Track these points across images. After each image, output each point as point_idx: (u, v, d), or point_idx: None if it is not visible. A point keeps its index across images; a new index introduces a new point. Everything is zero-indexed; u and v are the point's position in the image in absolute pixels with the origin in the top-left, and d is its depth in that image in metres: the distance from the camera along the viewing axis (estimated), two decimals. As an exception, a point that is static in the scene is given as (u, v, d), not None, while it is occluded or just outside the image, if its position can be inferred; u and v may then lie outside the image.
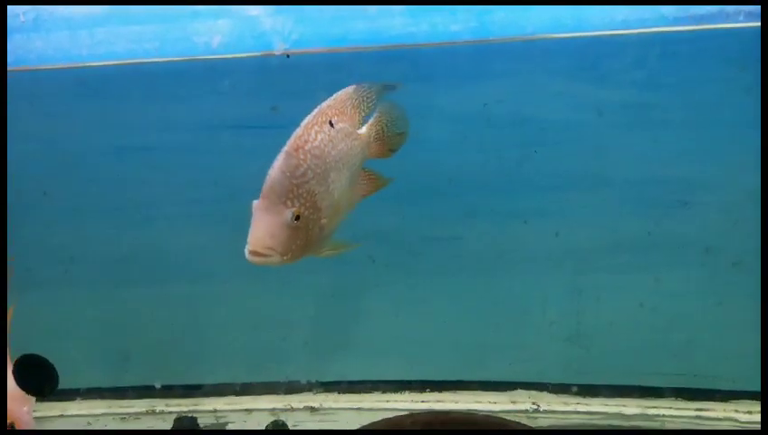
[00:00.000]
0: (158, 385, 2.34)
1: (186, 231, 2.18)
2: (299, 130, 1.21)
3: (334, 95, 1.30)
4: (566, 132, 1.98)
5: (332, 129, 1.24)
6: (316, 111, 1.25)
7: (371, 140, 1.36)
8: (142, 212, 2.21)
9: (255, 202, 1.15)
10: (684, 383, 2.15)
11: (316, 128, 1.22)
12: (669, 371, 2.15)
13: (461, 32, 1.76)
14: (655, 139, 1.94)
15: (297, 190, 1.15)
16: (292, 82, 1.91)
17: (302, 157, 1.17)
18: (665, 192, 2.00)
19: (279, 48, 1.78)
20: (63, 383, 2.37)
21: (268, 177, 1.16)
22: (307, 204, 1.15)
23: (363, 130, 1.35)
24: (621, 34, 1.77)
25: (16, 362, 2.22)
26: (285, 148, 1.19)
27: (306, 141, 1.19)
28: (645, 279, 2.08)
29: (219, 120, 2.06)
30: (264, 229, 1.13)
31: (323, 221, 1.20)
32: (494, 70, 1.93)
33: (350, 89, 1.32)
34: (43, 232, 2.20)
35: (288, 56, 1.79)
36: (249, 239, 1.13)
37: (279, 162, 1.17)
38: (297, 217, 1.14)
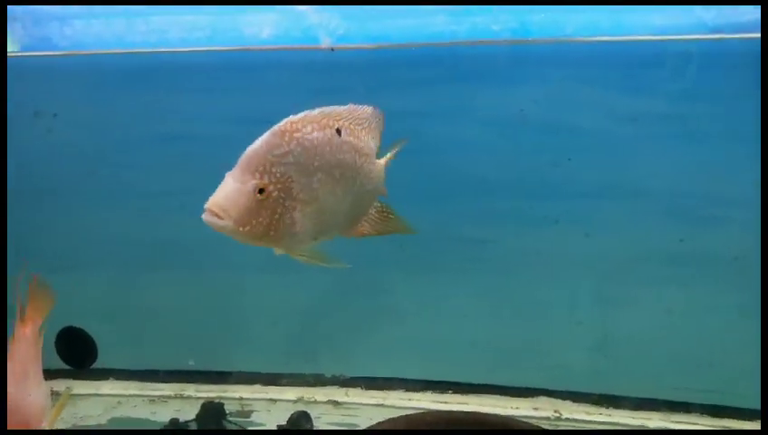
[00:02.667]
0: (188, 370, 2.40)
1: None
2: (297, 117, 1.16)
3: (350, 106, 1.25)
4: (599, 140, 1.99)
5: (338, 137, 1.20)
6: (326, 110, 1.20)
7: (384, 174, 1.33)
8: (180, 199, 2.28)
9: (228, 172, 1.13)
10: (709, 399, 2.13)
11: (316, 125, 1.17)
12: (694, 385, 2.13)
13: (501, 31, 1.79)
14: (689, 151, 1.94)
15: (270, 167, 1.11)
16: (335, 77, 1.97)
17: (286, 139, 1.13)
18: (696, 205, 2.00)
19: (325, 43, 1.83)
20: (98, 363, 2.48)
21: (247, 149, 1.13)
22: (279, 185, 1.12)
23: (383, 161, 1.33)
24: (659, 41, 1.78)
25: (59, 333, 2.32)
26: (274, 127, 1.15)
27: (298, 130, 1.15)
28: (672, 291, 2.07)
29: (260, 112, 2.11)
30: (223, 192, 1.10)
31: (297, 214, 1.15)
32: (530, 75, 1.96)
33: (368, 109, 1.27)
34: (85, 215, 2.29)
35: (333, 50, 1.85)
36: (208, 200, 1.10)
37: (260, 139, 1.14)
38: (261, 190, 1.10)
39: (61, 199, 2.28)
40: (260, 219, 1.11)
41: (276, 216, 1.13)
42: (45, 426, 1.43)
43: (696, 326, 2.08)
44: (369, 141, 1.27)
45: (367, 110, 1.27)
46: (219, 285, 2.30)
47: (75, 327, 2.34)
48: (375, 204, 1.34)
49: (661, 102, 1.91)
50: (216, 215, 1.08)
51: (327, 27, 1.80)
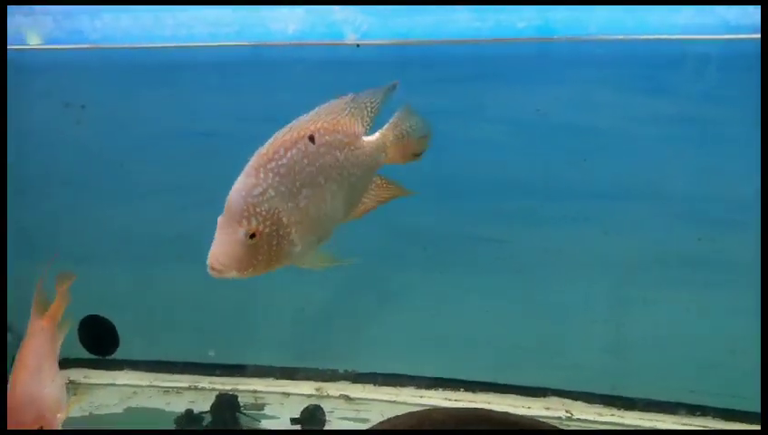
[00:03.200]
0: (202, 362, 2.44)
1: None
2: (265, 148, 1.18)
3: (325, 105, 1.25)
4: (618, 141, 2.00)
5: (312, 144, 1.20)
6: (293, 123, 1.21)
7: (389, 144, 1.34)
8: (203, 194, 2.31)
9: (219, 217, 1.16)
10: (724, 403, 2.13)
11: (287, 144, 1.18)
12: (709, 389, 2.13)
13: (525, 29, 1.81)
14: (708, 153, 1.95)
15: (254, 209, 1.14)
16: (357, 74, 1.99)
17: (261, 176, 1.15)
18: (715, 207, 2.00)
19: (350, 39, 1.85)
20: (115, 353, 2.51)
21: (229, 194, 1.16)
22: (267, 221, 1.14)
23: (375, 136, 1.33)
24: (681, 40, 1.78)
25: (82, 321, 2.36)
26: (247, 165, 1.18)
27: (270, 160, 1.16)
28: (689, 293, 2.07)
29: (284, 110, 2.15)
30: (218, 246, 1.14)
31: (294, 235, 1.18)
32: (551, 74, 1.98)
33: (347, 98, 1.27)
34: (109, 207, 2.33)
35: (358, 46, 1.87)
36: (209, 253, 1.15)
37: (238, 181, 1.16)
38: (252, 235, 1.13)
39: (86, 191, 2.33)
40: (259, 257, 1.15)
41: (274, 247, 1.16)
42: (62, 418, 1.43)
43: (711, 329, 2.08)
44: (352, 127, 1.26)
45: (345, 99, 1.26)
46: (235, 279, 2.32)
47: (98, 316, 2.38)
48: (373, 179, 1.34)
49: (681, 104, 1.92)
50: (218, 269, 1.14)
51: (353, 23, 1.82)
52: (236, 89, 2.16)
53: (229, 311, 2.40)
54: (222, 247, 1.14)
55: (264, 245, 1.15)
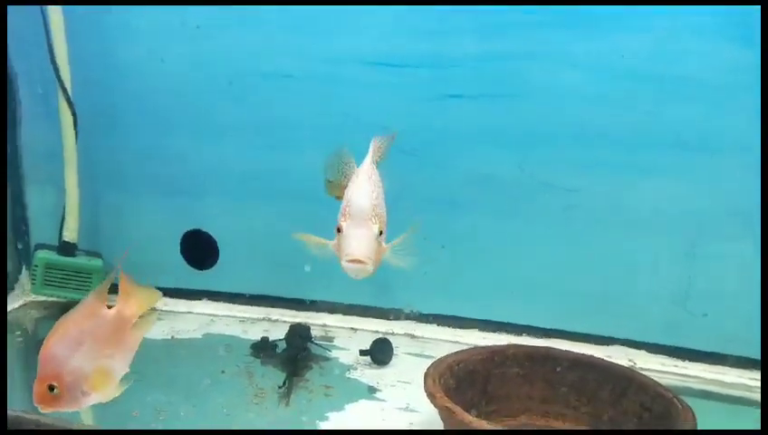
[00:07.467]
0: (273, 295, 2.56)
1: (311, 156, 2.36)
2: (365, 165, 1.50)
3: (374, 142, 1.56)
4: (702, 91, 1.98)
5: (376, 172, 1.51)
6: (370, 156, 1.53)
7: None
8: (277, 135, 2.40)
9: (344, 223, 1.39)
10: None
11: (373, 166, 1.51)
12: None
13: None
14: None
15: (374, 211, 1.39)
16: (443, 17, 2.01)
17: (371, 184, 1.44)
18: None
19: None
20: (191, 284, 2.66)
21: (351, 201, 1.40)
22: (379, 223, 1.39)
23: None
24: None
25: (184, 235, 2.50)
26: (360, 176, 1.46)
27: (371, 174, 1.47)
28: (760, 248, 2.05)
29: (362, 54, 2.22)
30: (360, 241, 1.36)
31: (384, 236, 1.44)
32: (633, 22, 1.95)
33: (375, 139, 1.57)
34: (196, 145, 2.46)
35: None
36: (348, 251, 1.36)
37: (358, 189, 1.42)
38: (380, 233, 1.39)
39: (172, 128, 2.45)
40: (378, 255, 1.42)
41: (381, 247, 1.43)
42: (89, 391, 1.25)
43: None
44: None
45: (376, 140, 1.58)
46: (311, 217, 2.41)
47: (197, 230, 2.53)
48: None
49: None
50: (362, 262, 1.36)
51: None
52: (310, 30, 2.24)
53: (302, 250, 2.49)
54: (364, 241, 1.36)
55: (380, 243, 1.40)
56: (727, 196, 2.08)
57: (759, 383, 2.13)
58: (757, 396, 2.10)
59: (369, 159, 1.52)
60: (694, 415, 1.51)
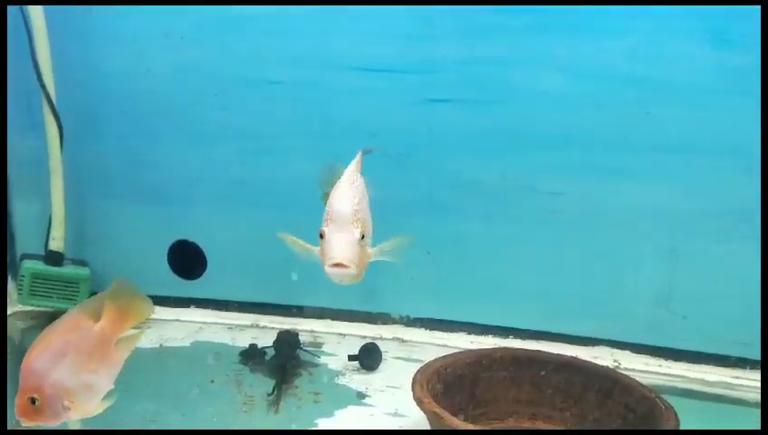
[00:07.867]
0: (262, 302, 2.56)
1: (298, 162, 2.36)
2: (347, 171, 1.52)
3: (358, 156, 1.60)
4: (682, 94, 2.01)
5: (361, 178, 1.54)
6: (354, 164, 1.56)
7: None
8: (263, 142, 2.41)
9: (326, 228, 1.40)
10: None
11: (355, 175, 1.53)
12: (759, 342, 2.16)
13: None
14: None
15: (356, 215, 1.40)
16: (426, 21, 2.03)
17: (353, 190, 1.46)
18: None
19: None
20: (179, 292, 2.65)
21: (332, 206, 1.42)
22: (361, 227, 1.40)
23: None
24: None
25: (172, 245, 2.49)
26: (341, 183, 1.48)
27: (354, 181, 1.49)
28: (745, 250, 2.08)
29: (347, 59, 2.23)
30: (342, 245, 1.37)
31: (368, 240, 1.46)
32: (614, 25, 1.99)
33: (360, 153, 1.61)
34: (177, 152, 2.45)
35: None
36: (331, 254, 1.36)
37: (340, 194, 1.44)
38: (362, 237, 1.39)
39: (159, 135, 2.44)
40: (362, 260, 1.41)
41: (364, 251, 1.43)
42: (75, 415, 1.24)
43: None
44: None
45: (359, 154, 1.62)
46: (298, 224, 2.42)
47: (184, 241, 2.52)
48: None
49: (749, 56, 1.91)
50: (344, 265, 1.36)
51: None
52: (298, 36, 2.25)
53: (288, 256, 2.50)
54: (346, 245, 1.37)
55: (363, 248, 1.40)
56: (709, 198, 2.12)
57: (739, 381, 2.18)
58: (738, 394, 2.14)
59: (352, 166, 1.54)
60: (676, 415, 1.55)
